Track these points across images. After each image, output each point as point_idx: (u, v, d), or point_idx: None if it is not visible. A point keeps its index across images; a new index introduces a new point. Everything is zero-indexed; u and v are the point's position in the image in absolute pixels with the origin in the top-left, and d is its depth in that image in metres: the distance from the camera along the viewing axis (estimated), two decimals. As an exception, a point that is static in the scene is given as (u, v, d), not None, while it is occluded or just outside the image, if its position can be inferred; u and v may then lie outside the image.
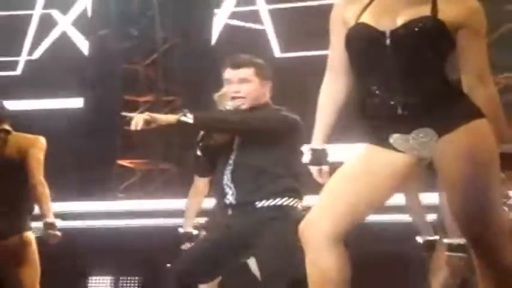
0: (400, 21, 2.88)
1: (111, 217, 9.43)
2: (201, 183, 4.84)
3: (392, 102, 2.90)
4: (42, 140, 4.96)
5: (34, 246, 4.89)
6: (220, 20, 10.23)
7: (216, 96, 4.39)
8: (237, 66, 4.06)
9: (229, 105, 4.03)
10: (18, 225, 4.87)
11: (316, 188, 3.13)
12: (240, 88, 4.03)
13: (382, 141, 2.98)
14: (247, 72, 4.05)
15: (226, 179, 3.97)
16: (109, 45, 10.69)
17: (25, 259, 4.84)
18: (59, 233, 4.85)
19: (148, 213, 9.27)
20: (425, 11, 2.87)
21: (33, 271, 4.88)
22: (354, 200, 2.92)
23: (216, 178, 4.10)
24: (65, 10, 10.74)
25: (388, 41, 2.87)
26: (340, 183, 2.96)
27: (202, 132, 4.05)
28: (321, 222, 2.91)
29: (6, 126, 4.97)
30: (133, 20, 10.82)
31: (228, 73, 4.09)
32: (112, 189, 10.65)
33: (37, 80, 10.46)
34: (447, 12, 2.89)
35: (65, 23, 10.82)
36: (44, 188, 4.86)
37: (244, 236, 3.92)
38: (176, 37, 10.69)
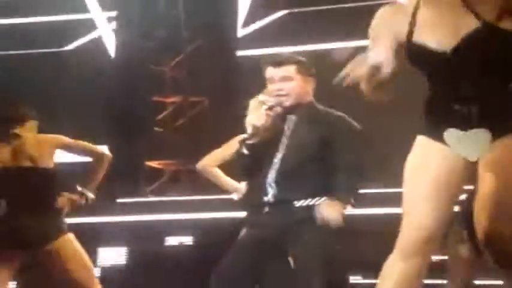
0: (456, 37, 2.94)
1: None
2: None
3: (453, 100, 2.97)
4: (61, 136, 4.98)
5: (78, 245, 4.90)
6: (246, 19, 10.24)
7: (252, 102, 4.27)
8: (278, 64, 4.01)
9: (271, 101, 3.97)
10: (59, 227, 4.89)
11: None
12: (283, 86, 3.98)
13: (436, 134, 3.02)
14: (289, 70, 4.00)
15: (271, 177, 3.92)
16: (135, 47, 10.72)
17: (76, 258, 4.84)
18: (81, 201, 4.87)
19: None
20: (474, 22, 2.90)
21: (86, 269, 4.89)
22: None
23: (256, 176, 4.03)
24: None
25: (450, 59, 2.95)
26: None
27: (249, 130, 3.97)
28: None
29: (17, 130, 4.93)
30: (159, 21, 10.85)
31: (270, 71, 4.03)
32: (141, 190, 10.69)
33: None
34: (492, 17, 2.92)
35: (103, 26, 10.87)
36: (106, 163, 4.92)
37: (281, 236, 3.89)
38: (202, 37, 10.70)
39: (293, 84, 3.99)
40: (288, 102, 3.99)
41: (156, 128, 11.08)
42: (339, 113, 4.05)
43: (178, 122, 10.99)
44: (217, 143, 4.94)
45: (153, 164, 10.98)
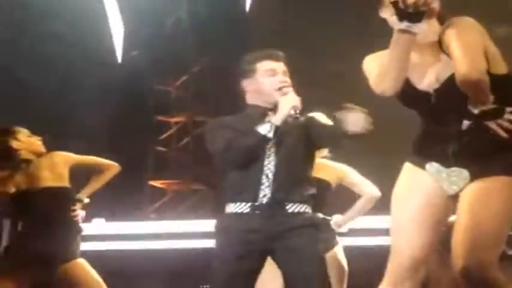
0: (438, 80, 3.12)
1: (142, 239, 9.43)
2: None
3: (434, 137, 3.16)
4: (61, 152, 4.98)
5: (91, 269, 4.89)
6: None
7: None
8: (278, 59, 3.96)
9: (277, 95, 3.90)
10: (73, 251, 4.87)
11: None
12: (286, 79, 3.92)
13: (421, 164, 3.20)
14: (285, 66, 3.97)
15: (265, 176, 3.82)
16: (141, 66, 10.75)
17: (88, 282, 4.83)
18: (82, 213, 4.86)
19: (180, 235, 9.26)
20: (451, 65, 3.04)
21: None
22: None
23: (246, 173, 3.85)
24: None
25: (433, 99, 3.14)
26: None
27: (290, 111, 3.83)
28: None
29: (28, 155, 4.93)
30: (165, 42, 10.89)
31: (271, 64, 3.94)
32: (143, 210, 10.68)
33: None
34: None
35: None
36: (110, 172, 4.94)
37: (270, 243, 3.80)
38: (207, 58, 10.73)
39: (289, 80, 3.95)
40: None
41: (159, 148, 11.09)
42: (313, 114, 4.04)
43: (183, 141, 10.99)
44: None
45: (156, 183, 10.98)
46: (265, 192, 3.78)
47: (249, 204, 3.78)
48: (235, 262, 3.76)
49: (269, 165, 3.80)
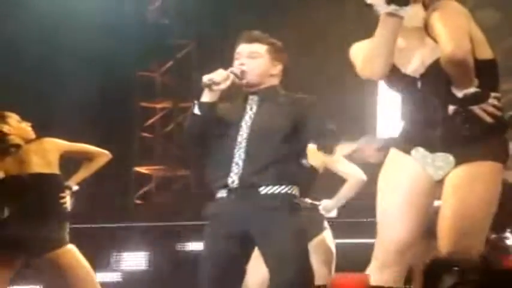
0: (423, 64, 3.14)
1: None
2: None
3: (420, 122, 3.19)
4: (51, 139, 4.97)
5: (80, 256, 4.89)
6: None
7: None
8: (251, 40, 3.91)
9: (234, 69, 3.81)
10: (62, 237, 4.86)
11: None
12: (247, 62, 3.86)
13: (406, 149, 3.21)
14: (260, 47, 3.90)
15: (237, 157, 3.77)
16: (125, 52, 10.71)
17: (77, 269, 4.82)
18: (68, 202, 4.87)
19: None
20: (437, 51, 3.06)
21: (88, 280, 4.87)
22: None
23: (219, 158, 3.85)
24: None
25: (419, 83, 3.15)
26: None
27: (205, 83, 3.80)
28: None
29: (18, 140, 4.92)
30: (149, 27, 10.85)
31: (240, 47, 3.92)
32: (129, 196, 10.67)
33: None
34: None
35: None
36: (100, 160, 4.94)
37: (246, 227, 3.73)
38: (192, 43, 10.71)
39: (258, 62, 3.87)
40: (249, 78, 3.85)
41: (144, 134, 11.07)
42: (304, 95, 3.97)
43: (168, 127, 10.98)
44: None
45: (142, 169, 10.96)
46: (233, 179, 3.76)
47: (225, 189, 3.79)
48: (218, 246, 3.78)
49: (239, 151, 3.79)
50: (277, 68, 3.95)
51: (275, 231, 3.71)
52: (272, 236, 3.71)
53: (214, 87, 3.78)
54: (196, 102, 3.83)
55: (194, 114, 3.84)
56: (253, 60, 3.88)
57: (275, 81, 3.95)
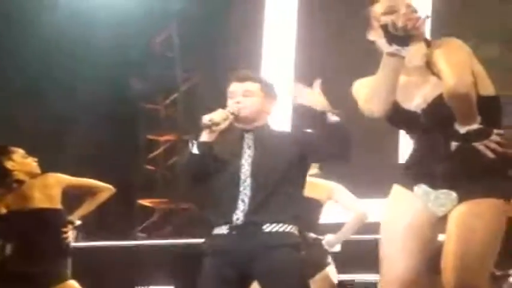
0: (425, 100, 3.15)
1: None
2: None
3: (423, 158, 3.18)
4: (55, 174, 4.96)
5: None
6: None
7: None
8: (243, 79, 3.95)
9: (230, 108, 3.84)
10: (63, 272, 4.84)
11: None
12: (243, 100, 3.88)
13: (409, 186, 3.21)
14: (253, 86, 3.93)
15: (244, 193, 3.77)
16: (130, 85, 10.75)
17: None
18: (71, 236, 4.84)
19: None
20: (440, 86, 3.07)
21: None
22: None
23: (223, 195, 3.84)
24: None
25: (421, 119, 3.16)
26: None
27: (204, 124, 3.81)
28: None
29: (22, 176, 4.91)
30: (154, 60, 10.89)
31: (233, 86, 3.95)
32: (132, 229, 10.64)
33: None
34: None
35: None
36: (104, 195, 4.92)
37: (248, 263, 3.71)
38: (197, 76, 10.74)
39: (253, 100, 3.90)
40: (245, 113, 3.86)
41: (148, 166, 11.07)
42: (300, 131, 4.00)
43: (171, 160, 10.97)
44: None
45: (145, 202, 10.94)
46: (238, 216, 3.75)
47: (227, 225, 3.77)
48: (217, 285, 3.76)
49: (245, 190, 3.78)
50: (271, 106, 3.98)
51: (277, 270, 3.69)
52: (274, 275, 3.69)
53: (214, 128, 3.78)
54: (194, 141, 3.83)
55: (192, 154, 3.83)
56: (249, 98, 3.90)
57: (267, 119, 3.98)
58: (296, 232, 3.80)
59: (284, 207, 3.79)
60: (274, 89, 4.03)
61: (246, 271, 3.75)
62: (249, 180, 3.80)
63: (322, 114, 3.75)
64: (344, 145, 3.78)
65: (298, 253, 3.79)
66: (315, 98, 3.77)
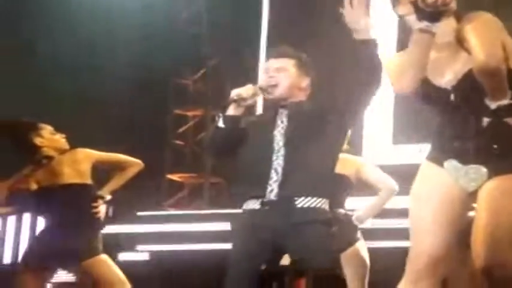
0: (456, 76, 3.12)
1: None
2: None
3: (452, 134, 3.16)
4: (83, 149, 4.99)
5: (113, 264, 4.91)
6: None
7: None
8: (279, 55, 3.94)
9: (262, 84, 3.85)
10: (96, 247, 4.88)
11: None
12: (275, 75, 3.88)
13: (439, 162, 3.19)
14: (287, 62, 3.91)
15: (274, 171, 3.75)
16: (158, 59, 10.76)
17: (111, 277, 4.84)
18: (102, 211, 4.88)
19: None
20: (470, 62, 3.04)
21: (123, 284, 4.89)
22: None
23: (255, 168, 3.81)
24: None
25: (451, 95, 3.13)
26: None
27: (232, 98, 3.79)
28: None
29: (51, 152, 4.94)
30: (182, 36, 10.89)
31: (267, 63, 3.98)
32: (161, 204, 10.70)
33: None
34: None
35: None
36: (133, 170, 4.92)
37: (280, 239, 3.69)
38: (224, 52, 10.72)
39: (286, 76, 3.88)
40: (278, 92, 3.86)
41: (177, 141, 11.10)
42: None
43: (200, 135, 11.00)
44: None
45: (174, 177, 10.99)
46: (272, 187, 3.74)
47: (259, 200, 3.76)
48: (248, 260, 3.75)
49: (278, 159, 3.76)
50: (305, 82, 3.96)
51: (309, 246, 3.69)
52: (306, 251, 3.69)
53: (242, 103, 3.78)
54: (221, 115, 3.83)
55: (218, 127, 3.84)
56: (282, 74, 3.89)
57: (303, 95, 3.96)
58: (327, 207, 3.79)
59: (317, 180, 3.78)
60: (310, 65, 4.00)
61: (277, 247, 3.75)
62: (282, 150, 3.78)
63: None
64: (374, 71, 3.69)
65: (330, 229, 3.79)
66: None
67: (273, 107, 3.94)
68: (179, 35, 10.90)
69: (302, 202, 3.73)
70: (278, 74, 3.89)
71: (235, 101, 3.79)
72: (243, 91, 3.80)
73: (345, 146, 5.08)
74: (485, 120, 3.08)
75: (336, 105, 3.87)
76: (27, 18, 9.83)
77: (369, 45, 3.69)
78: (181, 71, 11.08)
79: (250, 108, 3.87)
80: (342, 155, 4.98)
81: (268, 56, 3.98)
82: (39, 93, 9.41)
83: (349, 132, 4.89)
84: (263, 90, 3.84)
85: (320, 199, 3.76)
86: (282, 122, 3.87)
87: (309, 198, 3.74)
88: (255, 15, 10.19)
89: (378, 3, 7.58)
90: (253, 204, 3.80)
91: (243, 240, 3.81)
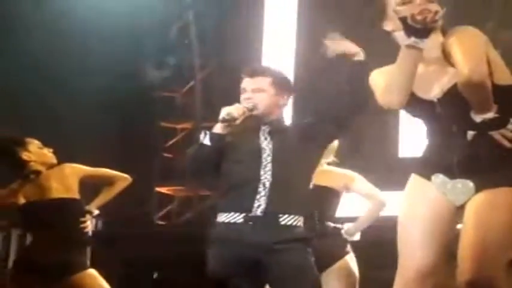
0: (442, 89, 3.12)
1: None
2: None
3: (439, 148, 3.17)
4: (71, 164, 4.98)
5: (101, 280, 4.88)
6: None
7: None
8: (253, 74, 3.91)
9: (244, 104, 3.84)
10: (83, 262, 4.87)
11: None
12: (253, 96, 3.86)
13: (426, 175, 3.19)
14: (264, 80, 3.89)
15: (262, 185, 3.73)
16: (147, 74, 10.76)
17: None
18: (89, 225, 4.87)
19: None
20: (456, 76, 3.04)
21: None
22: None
23: (241, 182, 3.79)
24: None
25: (437, 108, 3.13)
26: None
27: (222, 117, 3.79)
28: None
29: (38, 167, 4.93)
30: (171, 48, 10.90)
31: (244, 82, 3.92)
32: (150, 216, 10.67)
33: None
34: None
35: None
36: (121, 184, 4.94)
37: (262, 256, 3.67)
38: (213, 64, 10.73)
39: (263, 96, 3.87)
40: (256, 109, 3.85)
41: (166, 154, 11.09)
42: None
43: (188, 148, 10.98)
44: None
45: (163, 189, 10.97)
46: (260, 203, 3.72)
47: (243, 214, 3.72)
48: (226, 274, 3.72)
49: (266, 174, 3.75)
50: (284, 99, 3.96)
51: (290, 267, 3.67)
52: (287, 269, 3.67)
53: (232, 123, 3.78)
54: (207, 132, 3.82)
55: (202, 144, 3.82)
56: (259, 94, 3.87)
57: (280, 112, 3.97)
58: (303, 225, 3.77)
59: (300, 197, 3.79)
60: (287, 81, 4.00)
61: (255, 264, 3.71)
62: (269, 166, 3.78)
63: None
64: (360, 84, 3.66)
65: (309, 247, 3.77)
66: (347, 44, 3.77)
67: (255, 123, 3.93)
68: (168, 48, 10.90)
69: (286, 220, 3.72)
70: (255, 95, 3.87)
71: (226, 120, 3.78)
72: (234, 110, 3.79)
73: (333, 159, 5.09)
74: (470, 134, 3.09)
75: (315, 123, 3.90)
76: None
77: (364, 67, 3.69)
78: (169, 84, 11.08)
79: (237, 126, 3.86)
80: (329, 168, 5.01)
81: (243, 75, 3.94)
82: (23, 109, 9.38)
83: (336, 143, 4.91)
84: (249, 110, 3.84)
85: (297, 217, 3.75)
86: (265, 138, 3.87)
87: (292, 216, 3.73)
88: (245, 29, 10.21)
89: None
90: (235, 218, 3.76)
91: (221, 254, 3.76)
